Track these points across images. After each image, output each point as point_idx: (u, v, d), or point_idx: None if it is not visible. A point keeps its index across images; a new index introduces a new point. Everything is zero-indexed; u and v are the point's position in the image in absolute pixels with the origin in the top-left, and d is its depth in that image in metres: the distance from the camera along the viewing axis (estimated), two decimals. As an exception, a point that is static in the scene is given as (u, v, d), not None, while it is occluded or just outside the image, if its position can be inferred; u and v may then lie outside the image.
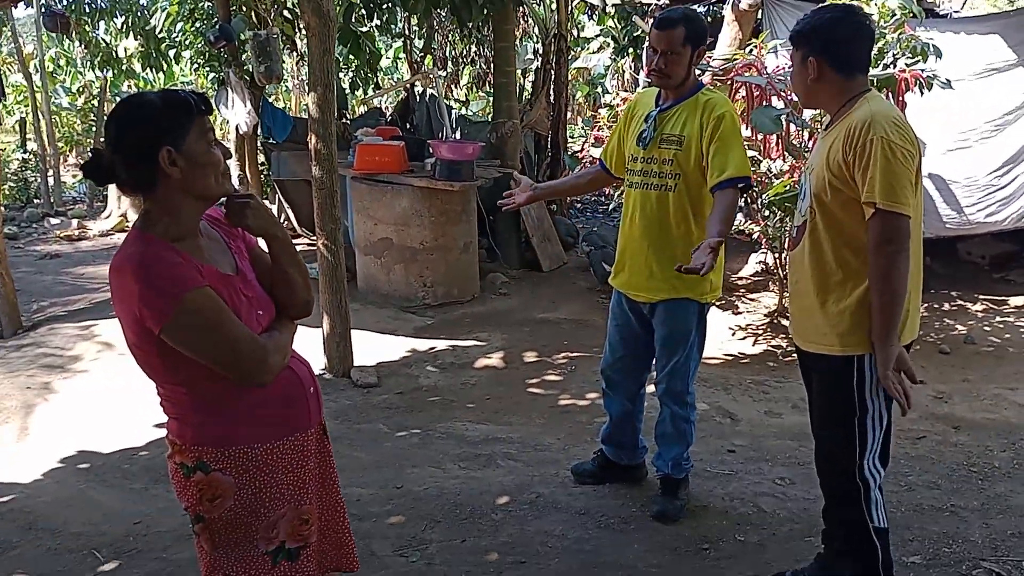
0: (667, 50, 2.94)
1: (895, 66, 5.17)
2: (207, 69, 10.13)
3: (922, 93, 5.21)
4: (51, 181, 12.97)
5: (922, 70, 5.15)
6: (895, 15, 5.18)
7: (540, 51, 9.93)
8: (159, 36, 10.68)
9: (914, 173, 2.31)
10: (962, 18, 9.08)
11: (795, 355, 2.80)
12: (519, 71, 11.58)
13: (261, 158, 9.87)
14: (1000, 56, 6.79)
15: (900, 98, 5.14)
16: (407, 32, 11.19)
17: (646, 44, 3.20)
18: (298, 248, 9.04)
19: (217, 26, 8.41)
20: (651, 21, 3.06)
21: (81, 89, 15.79)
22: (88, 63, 13.05)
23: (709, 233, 2.77)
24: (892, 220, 2.24)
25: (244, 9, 8.34)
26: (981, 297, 7.01)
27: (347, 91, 11.36)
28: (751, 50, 5.52)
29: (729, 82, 5.16)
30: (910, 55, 5.19)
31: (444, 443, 4.21)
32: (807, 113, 5.27)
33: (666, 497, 3.35)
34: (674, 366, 3.21)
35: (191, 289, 1.66)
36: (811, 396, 2.69)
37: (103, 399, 4.86)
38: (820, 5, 3.12)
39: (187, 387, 1.76)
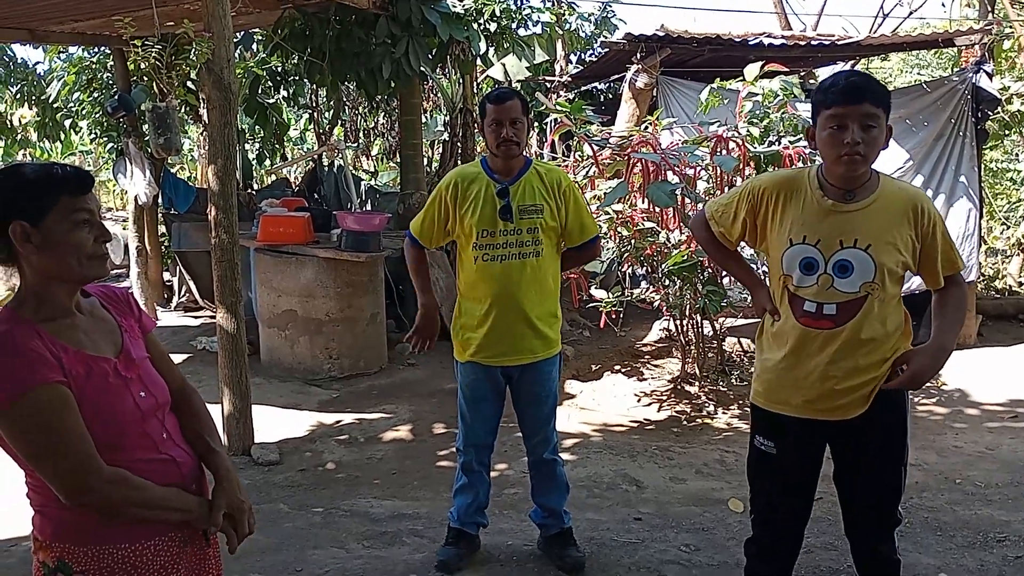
0: (515, 118, 3.16)
1: (780, 143, 5.48)
2: (105, 139, 9.90)
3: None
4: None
5: (804, 147, 5.47)
6: (778, 95, 5.52)
7: (448, 124, 10.13)
8: (55, 105, 10.42)
9: None
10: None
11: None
12: (429, 143, 11.76)
13: (162, 229, 9.63)
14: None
15: (786, 173, 5.43)
16: (315, 104, 11.25)
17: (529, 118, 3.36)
18: (200, 320, 8.64)
19: (116, 96, 8.26)
20: (488, 97, 3.25)
21: (-32, 158, 15.16)
22: (-21, 132, 12.54)
23: None
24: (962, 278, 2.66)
25: (145, 80, 8.22)
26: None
27: (254, 162, 11.26)
28: (647, 127, 5.77)
29: (627, 157, 5.36)
30: (793, 132, 5.52)
31: (348, 521, 4.09)
32: (700, 187, 5.51)
33: (572, 547, 3.50)
34: (550, 420, 3.43)
35: (38, 385, 1.55)
36: (803, 465, 2.72)
37: (-21, 487, 4.54)
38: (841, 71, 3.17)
39: None
